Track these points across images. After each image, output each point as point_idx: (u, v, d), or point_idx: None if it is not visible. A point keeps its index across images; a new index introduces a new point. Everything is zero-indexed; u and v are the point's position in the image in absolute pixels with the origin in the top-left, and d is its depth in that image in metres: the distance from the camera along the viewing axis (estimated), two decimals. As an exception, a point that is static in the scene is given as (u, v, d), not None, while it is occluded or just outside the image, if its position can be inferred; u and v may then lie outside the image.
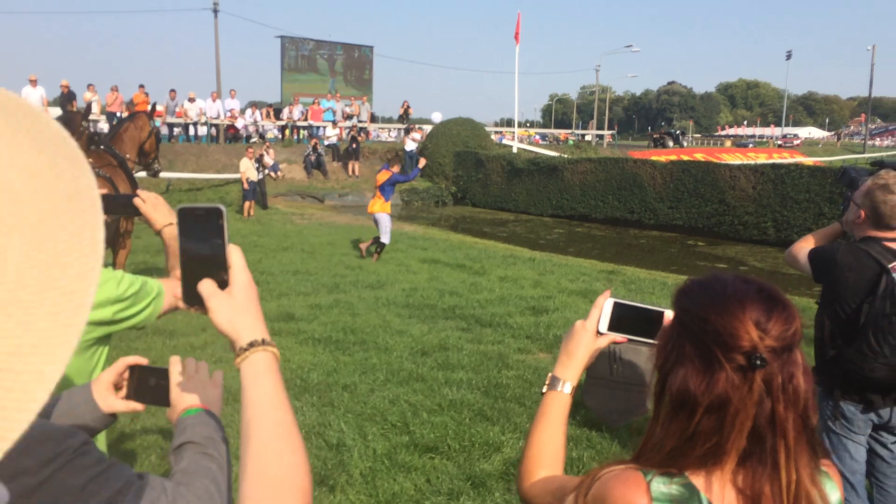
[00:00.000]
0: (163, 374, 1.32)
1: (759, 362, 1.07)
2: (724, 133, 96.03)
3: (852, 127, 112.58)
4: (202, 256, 1.00)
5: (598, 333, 1.40)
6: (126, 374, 1.36)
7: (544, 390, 1.43)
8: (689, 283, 1.22)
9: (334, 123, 28.98)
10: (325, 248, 12.97)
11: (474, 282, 10.19)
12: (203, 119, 26.42)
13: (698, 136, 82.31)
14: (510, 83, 30.03)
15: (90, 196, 0.60)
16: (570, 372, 1.42)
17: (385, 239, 11.64)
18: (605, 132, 50.47)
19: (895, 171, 3.01)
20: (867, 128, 60.09)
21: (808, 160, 33.92)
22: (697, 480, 1.12)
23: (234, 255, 1.01)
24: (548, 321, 7.85)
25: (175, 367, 1.29)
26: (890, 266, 2.88)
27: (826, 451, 1.20)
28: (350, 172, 25.98)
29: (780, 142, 64.40)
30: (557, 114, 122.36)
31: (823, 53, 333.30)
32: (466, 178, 25.96)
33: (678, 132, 49.81)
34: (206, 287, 0.99)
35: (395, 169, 11.55)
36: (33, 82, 22.18)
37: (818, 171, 17.62)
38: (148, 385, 1.34)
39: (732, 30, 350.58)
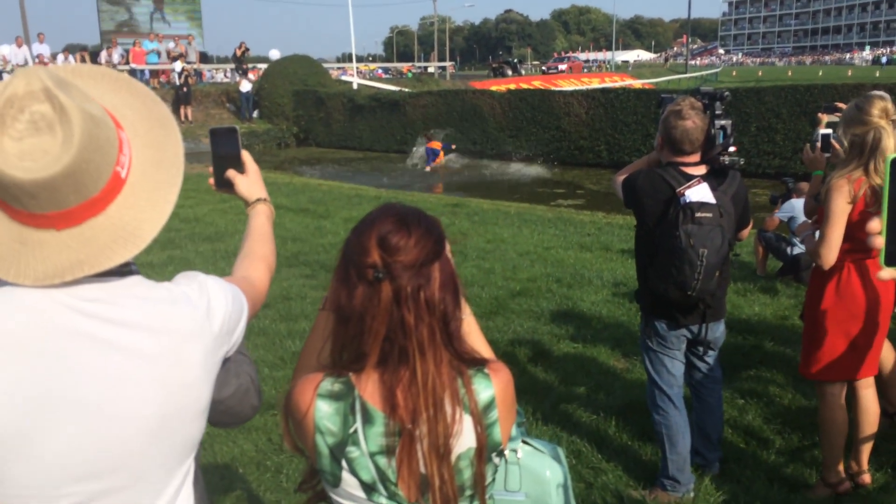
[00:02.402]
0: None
1: (380, 276, 1.23)
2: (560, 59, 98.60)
3: (675, 48, 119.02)
4: (226, 156, 1.69)
5: None
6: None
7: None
8: None
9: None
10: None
11: (319, 225, 9.98)
12: (9, 67, 23.86)
13: (537, 63, 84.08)
14: (348, 16, 29.14)
15: (171, 121, 1.21)
16: None
17: None
18: (447, 63, 50.39)
19: (693, 98, 3.14)
20: (688, 49, 63.68)
21: (637, 83, 35.58)
22: (356, 379, 1.29)
23: (245, 154, 1.71)
24: (392, 260, 7.82)
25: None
26: (678, 190, 2.99)
27: (476, 357, 1.34)
28: (182, 118, 24.49)
29: (544, 68, 60.16)
30: (399, 46, 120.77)
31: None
32: (308, 118, 25.23)
33: (516, 61, 50.60)
34: (231, 173, 1.69)
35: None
36: None
37: (644, 93, 18.52)
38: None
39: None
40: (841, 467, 3.33)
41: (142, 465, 1.13)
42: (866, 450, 3.36)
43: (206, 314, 1.20)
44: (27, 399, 1.03)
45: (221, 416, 1.36)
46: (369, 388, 1.28)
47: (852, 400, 3.33)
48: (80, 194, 1.06)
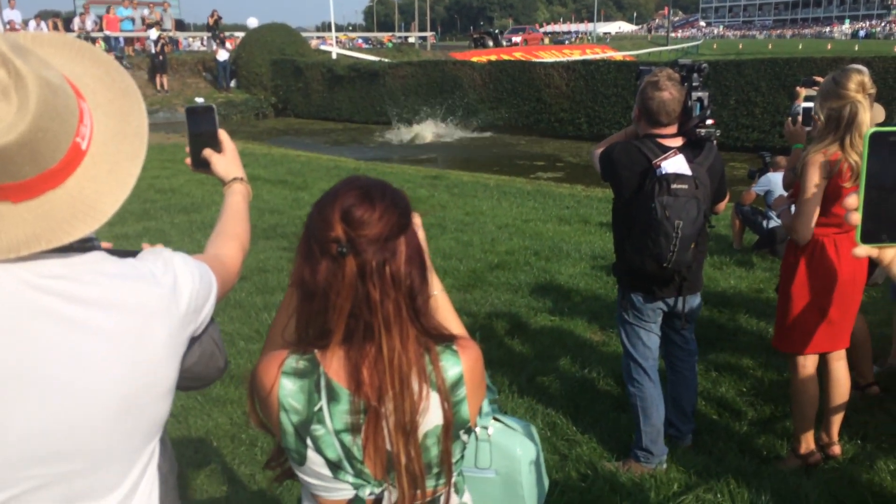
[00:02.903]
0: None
1: (343, 250, 1.20)
2: (542, 30, 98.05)
3: (657, 20, 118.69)
4: (203, 134, 1.68)
5: None
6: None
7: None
8: None
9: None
10: (133, 173, 12.04)
11: (296, 197, 9.89)
12: (-23, 33, 23.27)
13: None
14: (325, -16, 28.67)
15: (135, 91, 1.16)
16: None
17: None
18: (428, 34, 49.89)
19: (670, 70, 3.11)
20: (669, 21, 63.49)
21: (618, 55, 35.44)
22: (321, 356, 1.27)
23: (222, 133, 1.71)
24: (371, 233, 7.77)
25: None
26: (654, 162, 2.98)
27: (444, 333, 1.32)
28: (158, 87, 24.09)
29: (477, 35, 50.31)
30: (380, 16, 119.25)
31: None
32: (286, 88, 24.90)
33: (497, 31, 50.15)
34: (208, 152, 1.69)
35: None
36: None
37: (625, 65, 18.46)
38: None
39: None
40: (812, 439, 3.37)
41: (106, 445, 1.10)
42: (837, 421, 3.41)
43: (171, 292, 1.17)
44: None
45: (189, 381, 1.34)
46: (334, 364, 1.26)
47: (824, 372, 3.36)
48: (37, 165, 1.01)
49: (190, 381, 1.35)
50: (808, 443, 3.36)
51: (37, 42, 1.12)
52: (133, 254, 1.55)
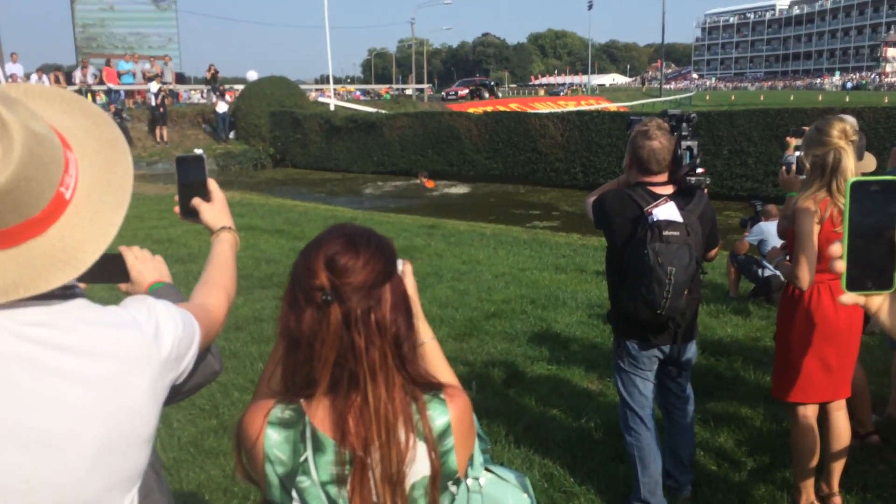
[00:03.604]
0: (118, 258, 1.58)
1: (328, 298, 1.20)
2: (537, 82, 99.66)
3: (650, 73, 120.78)
4: (192, 184, 1.68)
5: None
6: None
7: None
8: None
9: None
10: (132, 222, 12.08)
11: (293, 247, 9.89)
12: (-20, 87, 23.59)
13: (514, 86, 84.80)
14: (325, 39, 29.22)
15: (122, 143, 1.18)
16: None
17: None
18: (425, 85, 50.68)
19: (660, 119, 3.15)
20: (662, 73, 64.63)
21: (613, 106, 35.99)
22: (307, 405, 1.25)
23: (212, 182, 1.70)
24: (367, 282, 7.77)
25: (128, 252, 1.59)
26: (645, 209, 3.00)
27: (431, 382, 1.30)
28: (158, 138, 24.35)
29: (443, 94, 46.21)
30: (378, 69, 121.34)
31: (621, 2, 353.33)
32: (284, 139, 25.18)
33: (492, 83, 50.95)
34: (197, 201, 1.68)
35: None
36: None
37: (619, 116, 18.72)
38: (107, 268, 1.55)
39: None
40: (812, 490, 3.32)
41: (84, 495, 1.08)
42: (837, 472, 3.35)
43: (153, 339, 1.17)
44: None
45: (188, 393, 1.38)
46: (320, 414, 1.24)
47: (824, 422, 3.32)
48: (19, 213, 1.02)
49: (190, 392, 1.37)
50: (808, 494, 3.31)
51: (28, 94, 1.14)
52: (116, 258, 1.60)
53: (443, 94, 46.48)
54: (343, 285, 1.20)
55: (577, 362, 5.32)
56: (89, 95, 26.59)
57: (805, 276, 3.00)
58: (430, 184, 19.56)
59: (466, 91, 43.54)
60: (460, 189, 19.42)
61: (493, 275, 8.15)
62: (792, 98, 53.90)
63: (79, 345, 1.07)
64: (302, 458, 1.23)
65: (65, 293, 1.11)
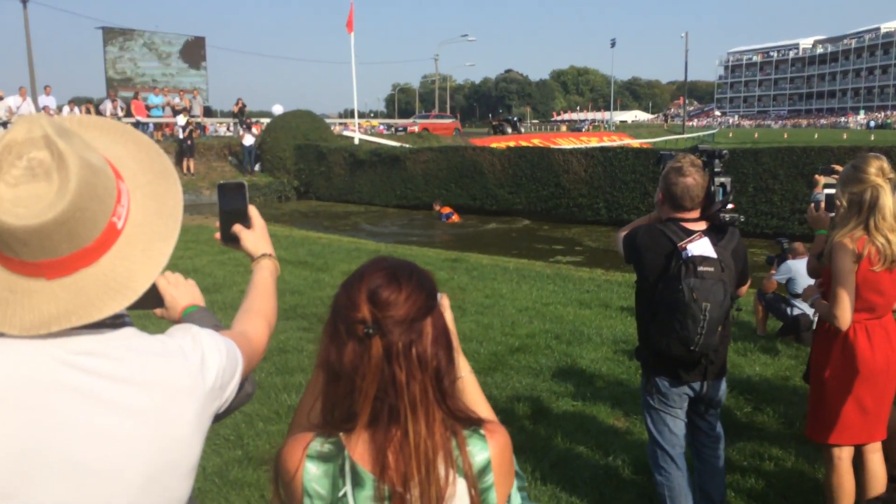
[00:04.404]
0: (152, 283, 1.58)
1: (370, 331, 1.19)
2: (559, 118, 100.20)
3: (673, 109, 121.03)
4: (233, 211, 1.70)
5: None
6: None
7: None
8: None
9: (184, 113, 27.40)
10: (157, 253, 12.20)
11: (317, 278, 9.95)
12: (13, 118, 24.18)
13: (536, 121, 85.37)
14: (351, 74, 29.65)
15: (172, 174, 1.22)
16: None
17: None
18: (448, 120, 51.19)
19: (693, 156, 3.16)
20: (685, 110, 64.76)
21: (635, 142, 36.03)
22: (346, 439, 1.24)
23: (252, 209, 1.71)
24: (390, 315, 7.76)
25: (160, 277, 1.54)
26: (679, 245, 2.99)
27: (471, 417, 1.28)
28: (185, 170, 24.71)
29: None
30: (401, 103, 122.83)
31: (643, 40, 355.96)
32: (308, 172, 25.44)
33: (515, 119, 51.35)
34: (238, 228, 1.68)
35: None
36: None
37: (642, 152, 18.71)
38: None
39: (561, 18, 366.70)
40: (848, 534, 3.24)
41: None
42: (873, 516, 3.27)
43: (199, 368, 1.17)
44: (12, 456, 1.00)
45: (221, 417, 1.36)
46: (359, 448, 1.23)
47: (858, 464, 3.25)
48: (73, 243, 1.04)
49: (221, 417, 1.36)
50: (844, 538, 3.22)
51: (83, 125, 1.17)
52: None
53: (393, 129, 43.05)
54: (385, 318, 1.20)
55: (603, 399, 5.26)
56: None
57: (846, 315, 2.96)
58: (455, 218, 19.62)
59: (420, 124, 40.41)
60: (485, 224, 19.46)
61: (516, 309, 8.12)
62: (816, 136, 53.67)
63: (127, 374, 1.08)
64: (341, 493, 1.22)
65: (115, 322, 1.12)
